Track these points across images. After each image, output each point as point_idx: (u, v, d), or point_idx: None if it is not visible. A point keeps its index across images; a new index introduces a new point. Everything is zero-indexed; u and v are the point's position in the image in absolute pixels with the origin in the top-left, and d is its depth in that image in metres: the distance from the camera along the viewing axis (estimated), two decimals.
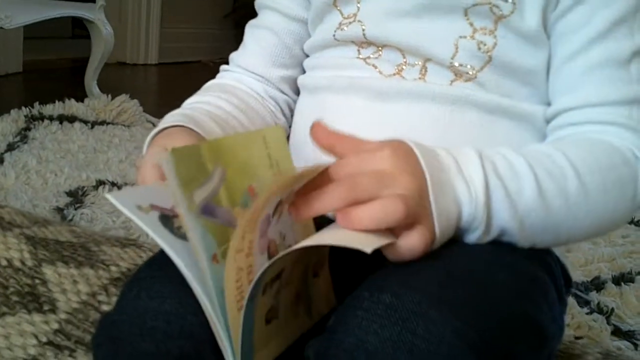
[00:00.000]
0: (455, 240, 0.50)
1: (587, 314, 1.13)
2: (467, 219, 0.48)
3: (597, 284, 1.26)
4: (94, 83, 2.64)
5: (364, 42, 0.63)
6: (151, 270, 0.51)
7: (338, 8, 0.65)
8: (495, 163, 0.50)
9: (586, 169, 0.53)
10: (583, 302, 1.17)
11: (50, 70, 3.28)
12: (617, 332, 1.09)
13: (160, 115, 2.53)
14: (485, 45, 0.59)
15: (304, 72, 0.72)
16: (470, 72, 0.60)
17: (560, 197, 0.51)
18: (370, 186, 0.44)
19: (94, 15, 2.58)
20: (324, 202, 0.44)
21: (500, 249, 0.51)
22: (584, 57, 0.58)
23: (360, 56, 0.64)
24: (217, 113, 0.64)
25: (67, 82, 3.10)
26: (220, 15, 4.54)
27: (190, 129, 0.58)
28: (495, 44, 0.59)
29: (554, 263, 0.59)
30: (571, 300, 1.13)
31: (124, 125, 2.17)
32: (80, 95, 2.41)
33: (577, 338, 1.04)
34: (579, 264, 1.34)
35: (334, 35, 0.65)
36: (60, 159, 1.74)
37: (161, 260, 0.52)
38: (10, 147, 1.76)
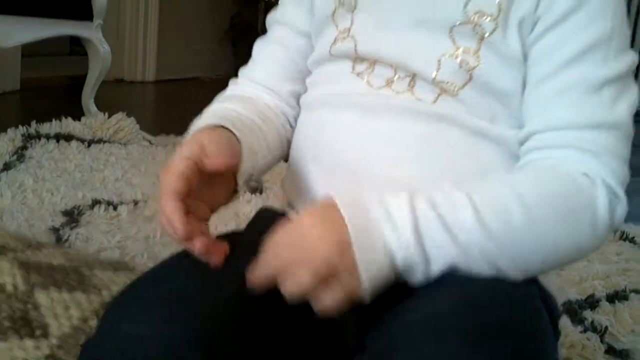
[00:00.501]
0: (460, 280, 0.51)
1: (580, 332, 1.13)
2: (404, 262, 0.50)
3: (592, 302, 1.26)
4: (91, 101, 2.64)
5: (357, 58, 0.64)
6: (132, 294, 0.52)
7: (335, 22, 0.66)
8: (433, 198, 0.52)
9: (533, 198, 0.54)
10: (577, 321, 1.17)
11: (48, 88, 3.28)
12: (610, 351, 1.09)
13: (157, 133, 2.53)
14: (467, 64, 0.60)
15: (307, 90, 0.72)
16: (452, 89, 0.60)
17: (504, 227, 0.52)
18: (286, 258, 0.50)
19: (91, 33, 2.59)
20: (258, 272, 0.51)
21: (504, 284, 0.53)
22: (555, 81, 0.59)
23: (354, 71, 0.64)
24: (242, 119, 0.65)
25: (65, 100, 3.10)
26: (218, 33, 4.56)
27: (227, 128, 0.60)
28: (478, 63, 0.60)
29: (547, 297, 0.60)
30: (564, 319, 1.13)
31: (120, 144, 2.17)
32: (78, 113, 2.42)
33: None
34: (574, 282, 1.34)
35: (329, 51, 0.66)
36: (56, 177, 1.74)
37: (142, 283, 0.53)
38: (7, 167, 1.76)
